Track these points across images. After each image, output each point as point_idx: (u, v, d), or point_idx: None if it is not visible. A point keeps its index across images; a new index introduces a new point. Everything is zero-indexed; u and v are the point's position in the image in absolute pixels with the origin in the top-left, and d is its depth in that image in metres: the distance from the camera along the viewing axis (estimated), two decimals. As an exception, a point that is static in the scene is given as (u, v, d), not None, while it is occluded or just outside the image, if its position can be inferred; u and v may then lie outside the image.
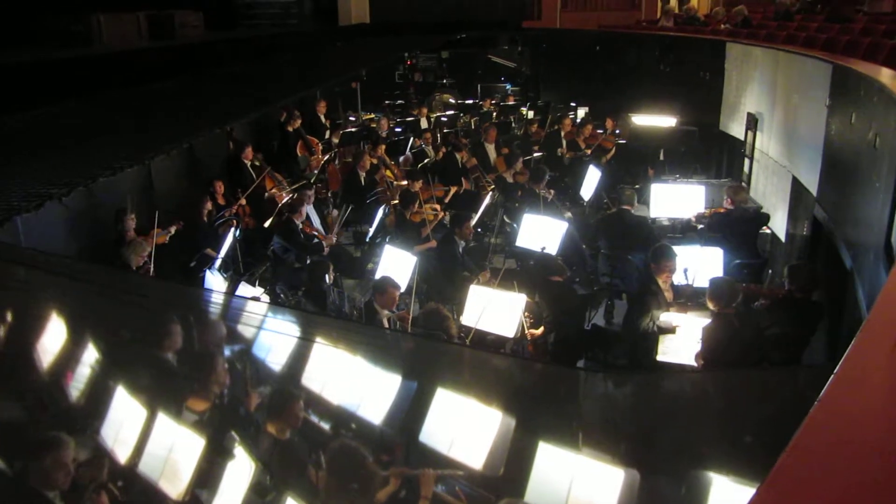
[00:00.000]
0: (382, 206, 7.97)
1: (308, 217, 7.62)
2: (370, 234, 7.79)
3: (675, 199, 7.79)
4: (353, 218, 8.29)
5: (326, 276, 6.06)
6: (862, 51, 7.99)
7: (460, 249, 7.02)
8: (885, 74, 5.35)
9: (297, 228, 7.27)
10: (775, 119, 8.42)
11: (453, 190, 9.23)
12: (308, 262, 6.89)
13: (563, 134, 11.23)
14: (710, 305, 4.90)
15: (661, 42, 12.63)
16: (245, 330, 3.41)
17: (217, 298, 4.39)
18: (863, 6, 11.15)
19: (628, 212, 7.33)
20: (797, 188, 7.44)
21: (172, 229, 6.80)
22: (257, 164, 9.00)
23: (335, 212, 8.83)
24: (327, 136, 11.22)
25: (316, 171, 9.83)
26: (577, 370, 4.36)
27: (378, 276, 6.18)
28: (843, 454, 0.92)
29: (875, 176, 4.66)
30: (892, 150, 4.30)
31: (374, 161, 9.57)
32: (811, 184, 6.85)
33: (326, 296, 6.04)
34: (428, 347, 3.59)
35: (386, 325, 5.42)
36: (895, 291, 1.49)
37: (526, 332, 5.39)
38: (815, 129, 6.67)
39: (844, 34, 9.15)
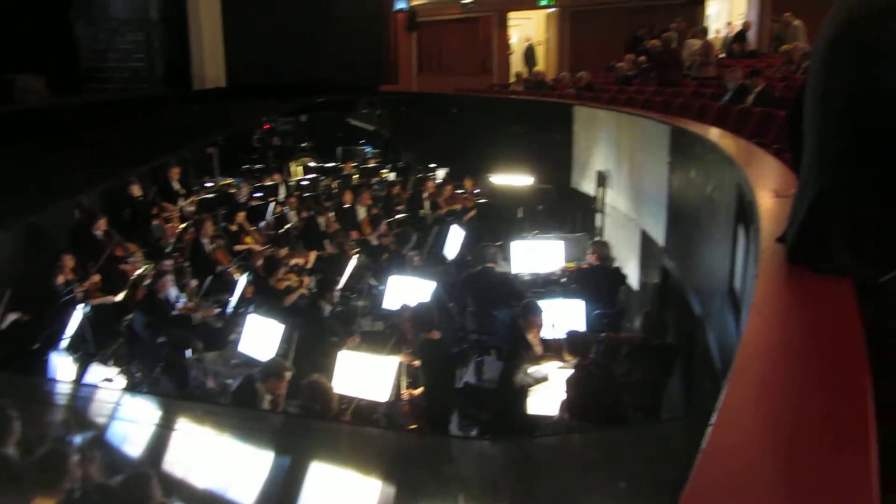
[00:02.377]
0: (245, 274, 7.73)
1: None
2: (232, 303, 7.51)
3: (536, 255, 8.07)
4: (213, 287, 7.98)
5: (189, 350, 5.76)
6: (694, 112, 8.71)
7: (327, 314, 6.90)
8: (714, 134, 5.83)
9: (161, 301, 6.90)
10: (622, 176, 8.95)
11: (313, 255, 9.11)
12: (169, 335, 6.53)
13: (425, 195, 11.42)
14: (569, 358, 5.07)
15: (514, 105, 13.21)
16: (98, 418, 3.14)
17: (63, 387, 4.03)
18: (690, 71, 12.20)
19: (492, 269, 7.50)
20: (646, 240, 7.89)
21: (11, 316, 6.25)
22: (107, 234, 8.52)
23: (194, 282, 8.46)
24: (182, 203, 10.81)
25: (172, 241, 9.41)
26: (451, 434, 4.33)
27: (242, 346, 5.93)
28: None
29: (715, 227, 5.02)
30: (729, 202, 4.65)
31: (234, 227, 9.30)
32: (658, 235, 7.30)
33: (188, 371, 5.72)
34: (300, 424, 3.45)
35: (267, 407, 5.12)
36: (755, 339, 1.57)
37: (402, 392, 5.33)
38: (659, 185, 7.14)
39: (677, 97, 9.95)
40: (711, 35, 15.28)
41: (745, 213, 3.72)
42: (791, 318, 1.80)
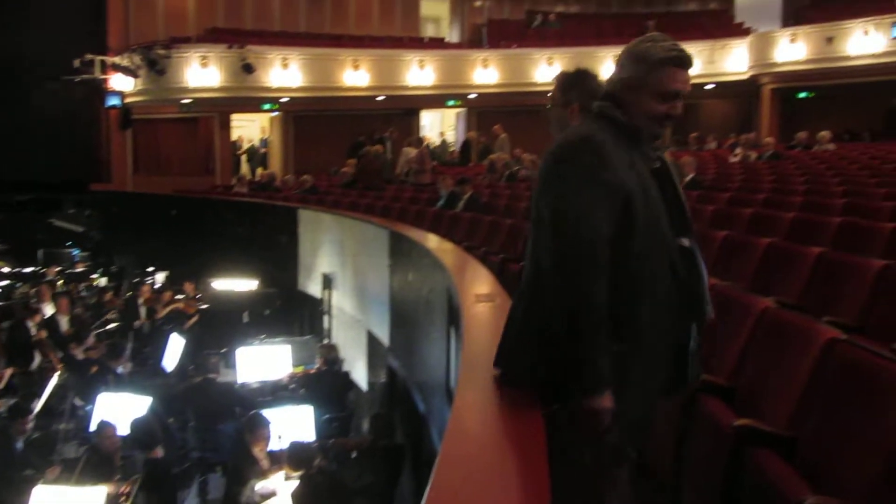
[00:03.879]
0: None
1: None
2: None
3: (263, 361, 7.85)
4: None
5: None
6: (412, 216, 9.22)
7: (19, 445, 6.04)
8: (428, 239, 6.22)
9: None
10: (348, 278, 9.15)
11: (8, 373, 8.03)
12: None
13: (140, 301, 10.68)
14: (292, 470, 4.97)
15: (238, 207, 13.03)
16: None
17: None
18: (408, 178, 12.99)
19: (215, 380, 7.15)
20: (373, 340, 8.07)
21: None
22: None
23: None
24: None
25: None
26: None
27: None
28: None
29: (432, 327, 5.28)
30: (442, 304, 4.93)
31: None
32: (384, 336, 7.50)
33: None
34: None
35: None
36: (455, 435, 1.71)
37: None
38: (382, 287, 7.39)
39: (396, 202, 10.50)
40: (425, 144, 16.47)
41: (454, 315, 3.97)
42: (484, 421, 1.95)
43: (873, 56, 15.54)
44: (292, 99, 17.23)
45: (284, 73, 16.87)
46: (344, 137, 17.78)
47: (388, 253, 7.21)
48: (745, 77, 17.95)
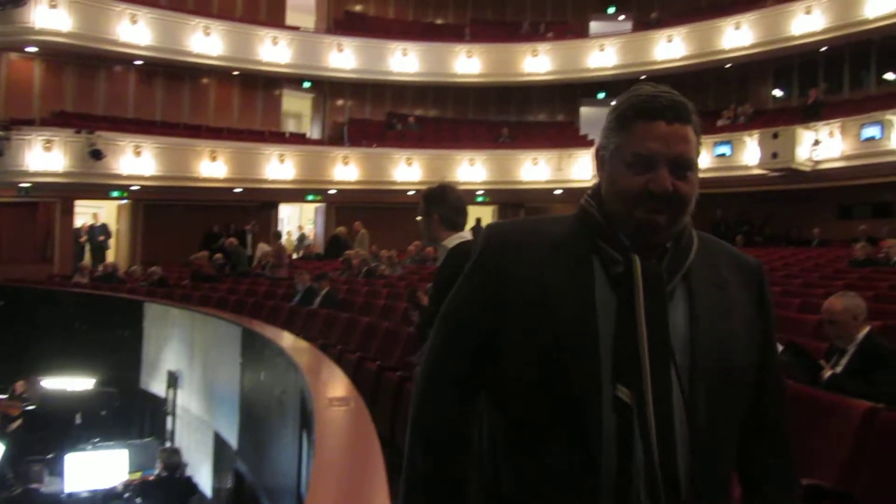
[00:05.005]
0: None
1: None
2: None
3: (95, 468, 7.22)
4: None
5: None
6: (266, 312, 9.01)
7: None
8: (283, 337, 6.07)
9: None
10: (195, 376, 8.70)
11: None
12: None
13: (-45, 402, 9.60)
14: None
15: (77, 299, 12.21)
16: None
17: None
18: (264, 272, 12.74)
19: (37, 491, 6.49)
20: (219, 443, 7.64)
21: None
22: None
23: None
24: None
25: None
26: None
27: None
28: None
29: (284, 430, 5.10)
30: (295, 406, 4.79)
31: None
32: (231, 437, 7.13)
33: None
34: None
35: None
36: None
37: None
38: (232, 386, 7.08)
39: (250, 296, 10.23)
40: (284, 238, 16.33)
41: (307, 418, 3.86)
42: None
43: (699, 171, 17.12)
44: (143, 187, 16.63)
45: (137, 160, 16.31)
46: (198, 228, 17.31)
47: (240, 350, 6.96)
48: (589, 184, 19.18)
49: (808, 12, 17.20)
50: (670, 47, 19.39)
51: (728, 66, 19.40)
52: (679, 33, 19.35)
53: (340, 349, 6.63)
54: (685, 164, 1.29)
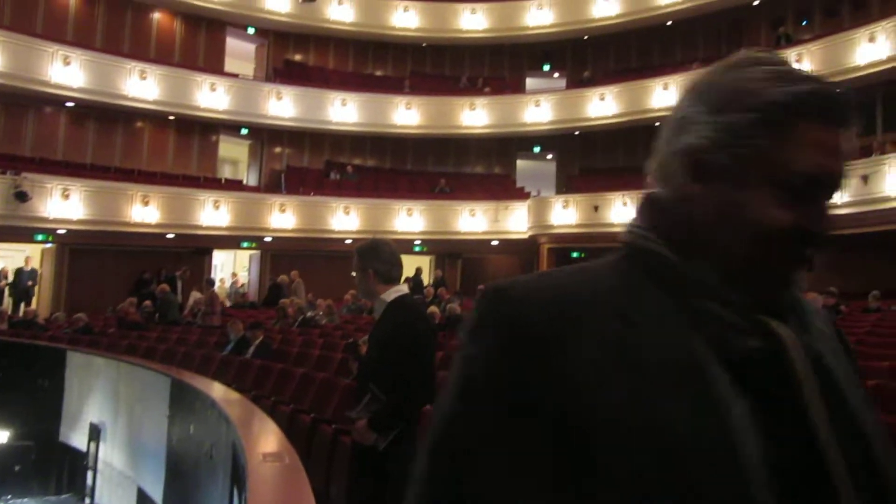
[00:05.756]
0: None
1: None
2: None
3: (7, 528, 6.82)
4: None
5: None
6: (197, 362, 8.76)
7: None
8: (214, 388, 5.92)
9: None
10: (119, 429, 8.36)
11: None
12: None
13: None
14: None
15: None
16: None
17: None
18: (196, 320, 12.44)
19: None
20: (143, 499, 7.33)
21: None
22: None
23: None
24: None
25: None
26: None
27: None
28: None
29: (213, 486, 4.93)
30: (226, 461, 4.65)
31: None
32: (156, 494, 6.84)
33: None
34: None
35: None
36: None
37: None
38: (158, 439, 6.83)
39: (181, 345, 9.95)
40: (217, 285, 16.00)
41: (238, 474, 3.76)
42: None
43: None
44: (70, 231, 16.13)
45: (65, 203, 15.84)
46: (128, 274, 16.83)
47: (168, 402, 6.74)
48: (525, 236, 19.56)
49: (731, 76, 18.08)
50: (603, 105, 20.09)
51: (657, 123, 20.04)
52: (611, 92, 20.10)
53: (274, 401, 6.49)
54: (837, 189, 0.83)
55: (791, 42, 18.18)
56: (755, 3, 19.54)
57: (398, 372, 2.98)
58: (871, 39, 15.75)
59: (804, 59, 16.85)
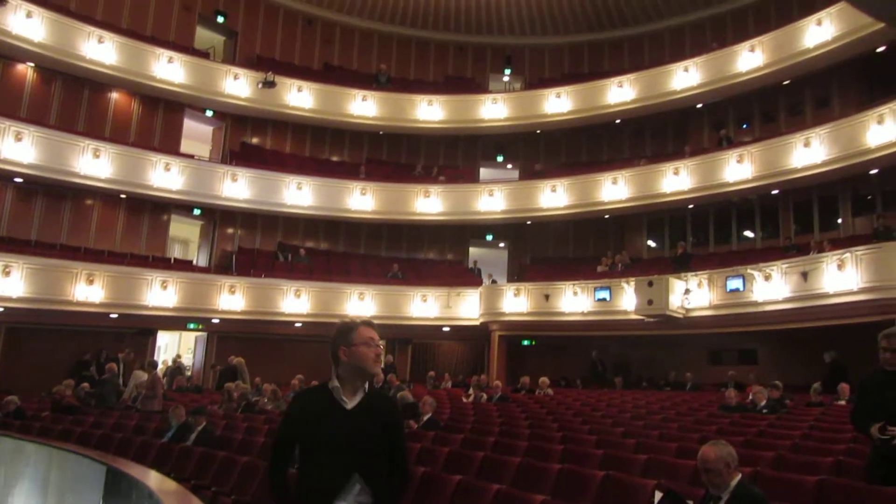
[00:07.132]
0: None
1: None
2: None
3: None
4: None
5: None
6: (135, 449, 8.40)
7: None
8: (153, 479, 5.67)
9: None
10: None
11: None
12: None
13: None
14: None
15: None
16: None
17: None
18: (136, 404, 11.98)
19: None
20: None
21: None
22: None
23: None
24: None
25: None
26: None
27: None
28: None
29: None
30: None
31: None
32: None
33: None
34: None
35: None
36: None
37: None
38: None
39: (118, 431, 9.55)
40: (160, 367, 15.54)
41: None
42: None
43: (581, 314, 17.87)
44: (8, 309, 15.58)
45: (5, 280, 15.38)
46: (67, 355, 16.28)
47: (103, 492, 6.41)
48: (477, 323, 19.58)
49: (676, 173, 18.86)
50: (554, 196, 20.60)
51: (606, 216, 20.74)
52: (562, 184, 20.65)
53: (215, 491, 6.24)
54: None
55: (732, 143, 19.07)
56: (699, 106, 20.55)
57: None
58: (807, 144, 16.60)
59: (745, 161, 17.67)
